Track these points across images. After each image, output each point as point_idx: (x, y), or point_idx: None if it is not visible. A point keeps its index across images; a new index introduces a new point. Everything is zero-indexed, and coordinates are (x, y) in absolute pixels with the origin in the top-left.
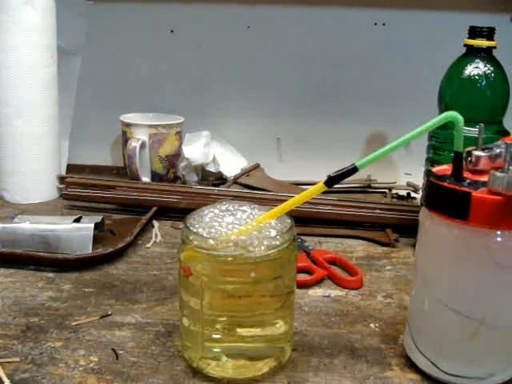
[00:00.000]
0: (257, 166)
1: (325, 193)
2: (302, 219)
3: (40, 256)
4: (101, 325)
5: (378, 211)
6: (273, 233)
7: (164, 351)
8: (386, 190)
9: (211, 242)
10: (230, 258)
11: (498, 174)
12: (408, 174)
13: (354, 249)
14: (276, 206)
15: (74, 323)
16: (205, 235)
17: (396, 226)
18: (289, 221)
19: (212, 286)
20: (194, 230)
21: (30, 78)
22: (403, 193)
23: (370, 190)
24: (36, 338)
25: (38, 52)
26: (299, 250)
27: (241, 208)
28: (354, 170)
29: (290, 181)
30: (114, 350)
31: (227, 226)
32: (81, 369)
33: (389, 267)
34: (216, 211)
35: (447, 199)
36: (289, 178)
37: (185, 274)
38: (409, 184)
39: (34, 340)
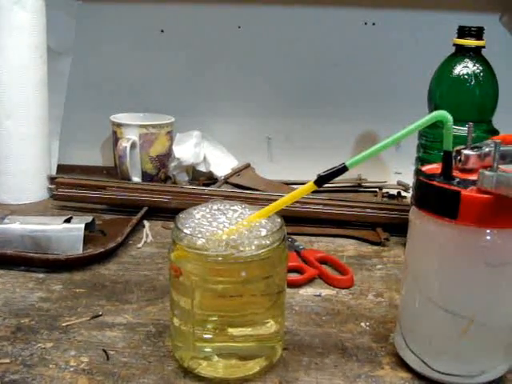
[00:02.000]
0: (247, 166)
1: (315, 192)
2: (292, 218)
3: (30, 257)
4: (91, 325)
5: (368, 210)
6: (263, 232)
7: (155, 351)
8: (377, 189)
9: (201, 241)
10: (220, 258)
11: (487, 172)
12: (398, 172)
13: (345, 248)
14: (267, 205)
15: (64, 324)
16: (195, 235)
17: (386, 224)
18: (279, 220)
19: (202, 285)
20: (185, 230)
21: (19, 79)
22: (394, 192)
23: (361, 189)
24: (26, 339)
25: (27, 52)
26: (290, 250)
27: (232, 208)
28: (343, 169)
29: (281, 180)
30: (104, 351)
31: (218, 225)
32: (71, 369)
33: (379, 266)
34: (207, 211)
35: (437, 198)
36: (279, 177)
37: (175, 274)
38: (399, 183)
39: (24, 341)
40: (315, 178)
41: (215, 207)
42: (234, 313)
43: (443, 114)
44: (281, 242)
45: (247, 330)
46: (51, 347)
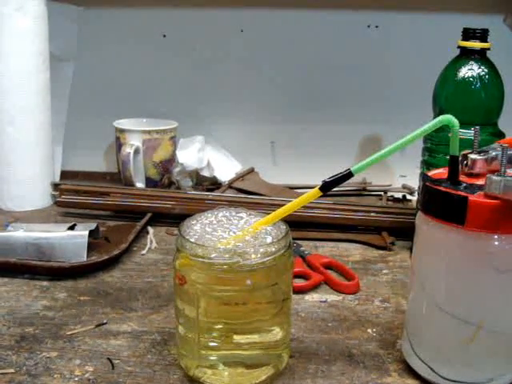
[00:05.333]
0: (251, 170)
1: (320, 196)
2: (297, 223)
3: (34, 264)
4: (96, 334)
5: (373, 214)
6: (268, 239)
7: (160, 360)
8: (382, 193)
9: (206, 249)
10: (225, 266)
11: (495, 177)
12: (403, 175)
13: (350, 253)
14: (271, 210)
15: (69, 332)
16: (200, 243)
17: (392, 228)
18: (284, 227)
19: (207, 293)
20: (189, 238)
21: (22, 85)
22: (399, 195)
23: (366, 193)
24: (31, 349)
25: (29, 58)
26: (295, 255)
27: (237, 215)
28: (349, 175)
29: (285, 184)
30: (109, 360)
31: (223, 233)
32: (76, 379)
33: (385, 271)
34: (212, 218)
35: (443, 203)
36: (284, 181)
37: (180, 283)
38: (404, 186)
39: (28, 350)
40: (320, 184)
41: (221, 214)
42: (239, 320)
43: (449, 118)
44: (286, 249)
45: (253, 338)
46: (56, 356)
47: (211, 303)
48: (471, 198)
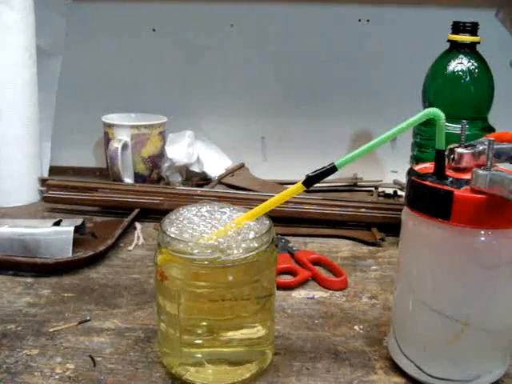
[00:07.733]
0: (241, 166)
1: (310, 192)
2: (286, 219)
3: (18, 260)
4: (79, 331)
5: (363, 210)
6: (251, 235)
7: (143, 357)
8: (373, 189)
9: (187, 245)
10: (206, 262)
11: (481, 171)
12: (394, 171)
13: (340, 249)
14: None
15: (51, 330)
16: (181, 238)
17: (382, 224)
18: (267, 222)
19: (188, 290)
20: (170, 233)
21: (8, 79)
22: (390, 191)
23: (356, 189)
24: (12, 346)
25: (16, 52)
26: (283, 251)
27: (220, 209)
28: (333, 169)
29: (275, 180)
30: (91, 357)
31: (205, 228)
32: (57, 377)
33: (374, 267)
34: (194, 212)
35: (429, 198)
36: (274, 177)
37: (161, 279)
38: (395, 182)
39: (9, 348)
40: (303, 178)
41: (204, 209)
42: (220, 317)
43: (435, 111)
44: (269, 244)
45: (235, 335)
46: (37, 354)
47: (192, 300)
48: (457, 192)
